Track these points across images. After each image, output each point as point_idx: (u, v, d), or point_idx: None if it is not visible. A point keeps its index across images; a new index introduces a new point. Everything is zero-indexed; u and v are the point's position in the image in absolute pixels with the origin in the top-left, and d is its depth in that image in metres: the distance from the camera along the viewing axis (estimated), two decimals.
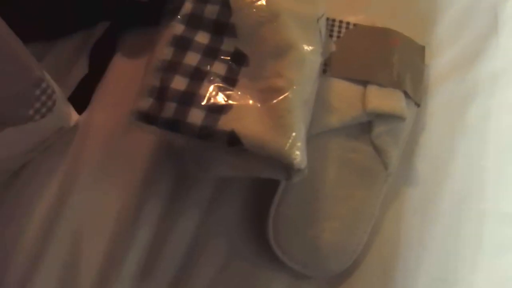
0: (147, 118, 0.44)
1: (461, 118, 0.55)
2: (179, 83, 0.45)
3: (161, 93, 0.45)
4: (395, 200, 0.51)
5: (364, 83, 0.52)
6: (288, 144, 0.42)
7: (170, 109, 0.44)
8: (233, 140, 0.43)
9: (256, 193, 0.52)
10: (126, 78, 0.57)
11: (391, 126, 0.51)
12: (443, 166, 0.52)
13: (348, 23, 0.57)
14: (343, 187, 0.50)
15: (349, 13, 0.58)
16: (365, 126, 0.51)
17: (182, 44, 0.47)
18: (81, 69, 0.57)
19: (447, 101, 0.56)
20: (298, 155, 0.42)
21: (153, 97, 0.45)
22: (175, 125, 0.44)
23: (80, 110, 0.55)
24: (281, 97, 0.44)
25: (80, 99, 0.55)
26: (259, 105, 0.45)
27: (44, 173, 0.52)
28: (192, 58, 0.47)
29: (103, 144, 0.53)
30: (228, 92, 0.45)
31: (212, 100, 0.45)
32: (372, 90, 0.52)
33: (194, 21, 0.49)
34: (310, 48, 0.47)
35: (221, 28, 0.48)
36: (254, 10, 0.48)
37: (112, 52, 0.58)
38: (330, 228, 0.48)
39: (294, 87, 0.45)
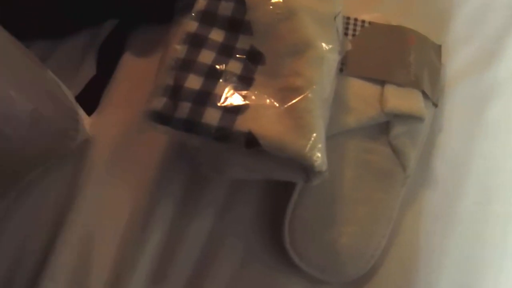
0: (161, 118, 0.43)
1: (480, 119, 0.54)
2: (193, 82, 0.44)
3: (175, 92, 0.43)
4: (414, 203, 0.50)
5: (381, 82, 0.51)
6: (308, 146, 0.41)
7: (184, 108, 0.43)
8: (250, 141, 0.41)
9: (271, 194, 0.50)
10: (136, 77, 0.55)
11: (409, 127, 0.50)
12: (463, 168, 0.51)
13: (363, 21, 0.55)
14: (361, 190, 0.48)
15: (364, 11, 0.56)
16: (383, 127, 0.50)
17: (196, 42, 0.46)
18: (88, 69, 0.56)
19: (465, 101, 0.55)
20: (320, 157, 0.41)
21: (167, 96, 0.43)
22: (190, 125, 0.42)
23: (89, 111, 0.53)
24: (300, 97, 0.43)
25: (89, 100, 0.54)
26: (277, 104, 0.43)
27: (53, 175, 0.50)
28: (206, 56, 0.45)
29: (114, 145, 0.52)
30: (244, 92, 0.44)
31: (228, 100, 0.43)
32: (390, 89, 0.50)
33: (208, 18, 0.47)
34: (329, 46, 0.46)
35: (236, 25, 0.47)
36: (271, 7, 0.46)
37: (121, 51, 0.57)
38: (347, 232, 0.47)
39: (314, 87, 0.43)
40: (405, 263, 0.47)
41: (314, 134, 0.41)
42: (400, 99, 0.50)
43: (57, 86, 0.49)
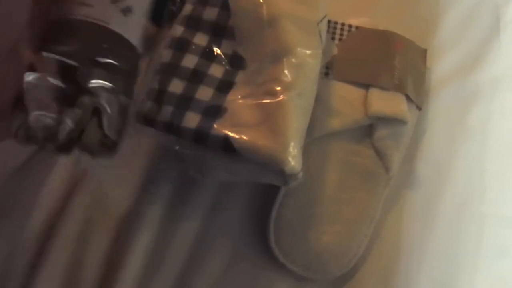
0: (146, 120, 0.45)
1: (462, 122, 0.55)
2: (176, 86, 0.46)
3: (159, 96, 0.46)
4: (396, 204, 0.51)
5: (366, 86, 0.52)
6: (281, 150, 0.42)
7: (167, 112, 0.45)
8: (226, 145, 0.43)
9: (259, 195, 0.51)
10: None
11: (393, 130, 0.51)
12: (444, 170, 0.52)
13: (350, 26, 0.57)
14: (345, 190, 0.50)
15: (351, 15, 0.58)
16: (367, 129, 0.52)
17: (181, 46, 0.48)
18: None
19: (449, 105, 0.56)
20: (291, 161, 0.42)
21: (152, 99, 0.45)
22: (172, 128, 0.44)
23: None
24: (276, 102, 0.44)
25: None
26: (254, 109, 0.45)
27: (51, 172, 0.51)
28: (190, 61, 0.47)
29: None
30: (224, 96, 0.46)
31: (207, 104, 0.45)
32: (374, 93, 0.52)
33: (193, 23, 0.49)
34: (309, 51, 0.47)
35: (220, 30, 0.48)
36: (254, 13, 0.48)
37: None
38: (331, 231, 0.48)
39: (290, 92, 0.45)
40: (386, 261, 0.49)
41: (287, 139, 0.43)
42: (383, 102, 0.51)
43: None
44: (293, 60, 0.46)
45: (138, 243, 0.49)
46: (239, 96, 0.46)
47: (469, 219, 0.50)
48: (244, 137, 0.43)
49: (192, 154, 0.47)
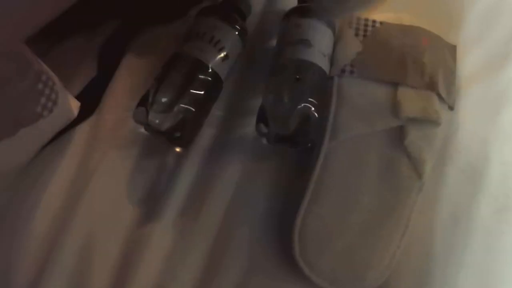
0: None
1: (495, 122, 0.51)
2: None
3: None
4: (428, 211, 0.47)
5: (395, 85, 0.49)
6: None
7: None
8: None
9: (277, 201, 0.48)
10: (137, 79, 0.53)
11: (425, 132, 0.48)
12: (478, 174, 0.49)
13: (374, 21, 0.54)
14: (375, 197, 0.46)
15: (375, 10, 0.55)
16: (397, 132, 0.48)
17: None
18: (88, 70, 0.54)
19: (480, 104, 0.53)
20: None
21: None
22: None
23: (89, 111, 0.52)
24: None
25: (90, 100, 0.52)
26: None
27: (54, 174, 0.48)
28: None
29: (114, 147, 0.50)
30: None
31: None
32: (404, 92, 0.48)
33: None
34: None
35: None
36: None
37: (122, 53, 0.55)
38: (361, 242, 0.45)
39: None
40: (420, 274, 0.45)
41: None
42: (414, 102, 0.48)
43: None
44: None
45: (150, 251, 0.46)
46: None
47: (508, 228, 0.46)
48: None
49: None
